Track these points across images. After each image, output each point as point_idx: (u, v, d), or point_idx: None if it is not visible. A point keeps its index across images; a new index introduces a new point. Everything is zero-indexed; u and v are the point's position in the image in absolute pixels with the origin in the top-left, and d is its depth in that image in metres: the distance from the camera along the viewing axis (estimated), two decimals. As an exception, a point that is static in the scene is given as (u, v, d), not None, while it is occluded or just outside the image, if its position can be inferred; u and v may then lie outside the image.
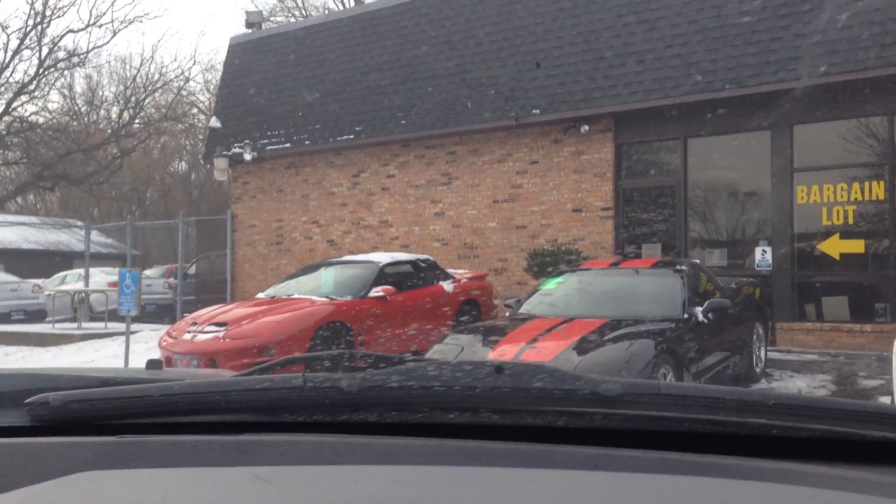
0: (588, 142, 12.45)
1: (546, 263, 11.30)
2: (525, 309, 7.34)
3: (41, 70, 15.63)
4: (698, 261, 9.88)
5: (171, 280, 18.42)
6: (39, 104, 22.83)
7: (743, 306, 8.06)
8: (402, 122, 14.01)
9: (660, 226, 12.19)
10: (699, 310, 6.78)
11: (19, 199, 28.03)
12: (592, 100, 12.08)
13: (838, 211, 10.68)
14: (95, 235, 21.05)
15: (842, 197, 10.66)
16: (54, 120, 18.79)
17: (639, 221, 12.34)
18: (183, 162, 37.51)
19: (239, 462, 0.74)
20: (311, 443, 0.82)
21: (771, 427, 0.84)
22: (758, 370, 8.24)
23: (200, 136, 33.50)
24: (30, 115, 16.83)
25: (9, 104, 15.63)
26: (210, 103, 32.24)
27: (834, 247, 10.65)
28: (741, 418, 0.84)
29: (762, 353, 8.53)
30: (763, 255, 11.06)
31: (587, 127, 12.32)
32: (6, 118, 15.81)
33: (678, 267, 7.60)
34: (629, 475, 0.71)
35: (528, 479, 0.70)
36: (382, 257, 10.65)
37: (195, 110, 32.72)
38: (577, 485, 0.69)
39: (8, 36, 23.02)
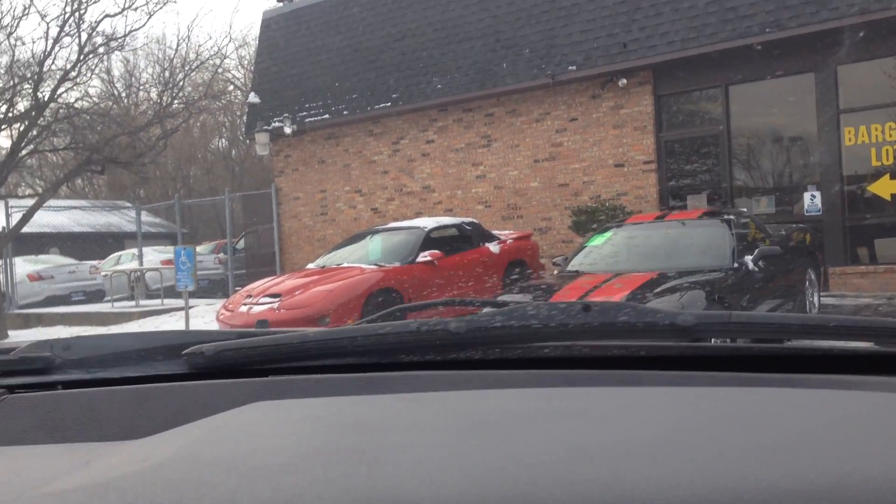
0: (627, 95, 12.35)
1: (590, 220, 11.31)
2: (573, 266, 7.40)
3: (82, 56, 15.90)
4: (746, 209, 9.81)
5: (221, 255, 18.81)
6: (81, 90, 23.28)
7: (794, 253, 8.02)
8: (439, 86, 14.02)
9: (704, 176, 12.10)
10: (749, 258, 6.77)
11: (68, 184, 28.74)
12: (629, 52, 11.96)
13: (887, 151, 10.48)
14: (144, 215, 21.56)
15: (891, 136, 10.46)
16: (99, 105, 19.17)
17: (682, 173, 12.26)
18: (223, 139, 37.99)
19: (376, 393, 0.85)
20: (429, 377, 0.93)
21: (832, 348, 0.93)
22: (810, 316, 8.22)
23: (238, 113, 33.84)
24: (75, 101, 17.16)
25: (53, 91, 15.96)
26: (245, 79, 32.51)
27: (885, 187, 10.48)
28: (805, 339, 0.93)
29: (815, 298, 8.49)
30: (812, 200, 10.93)
31: (625, 80, 12.22)
32: (52, 105, 16.16)
33: (725, 216, 7.57)
34: (707, 388, 0.81)
35: (620, 393, 0.80)
36: (427, 222, 10.76)
37: (231, 87, 33.03)
38: (663, 396, 0.79)
39: (48, 24, 23.38)
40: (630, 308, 0.95)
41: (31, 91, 15.99)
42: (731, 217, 7.52)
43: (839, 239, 10.76)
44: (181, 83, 18.39)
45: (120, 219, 31.09)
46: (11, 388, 0.95)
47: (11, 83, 16.36)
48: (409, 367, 1.00)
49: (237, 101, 32.77)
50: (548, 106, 13.13)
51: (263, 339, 1.01)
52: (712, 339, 1.09)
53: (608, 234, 7.98)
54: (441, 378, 0.92)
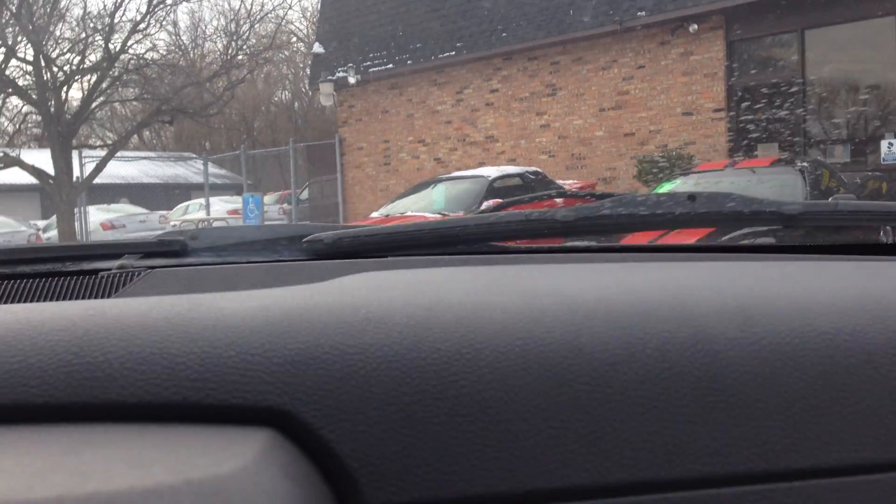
0: (697, 41, 12.03)
1: (656, 170, 11.15)
2: (640, 213, 7.33)
3: (151, 7, 16.20)
4: (819, 158, 9.55)
5: (286, 205, 19.12)
6: (149, 42, 23.75)
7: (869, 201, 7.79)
8: (503, 34, 13.86)
9: (777, 125, 11.76)
10: (823, 206, 6.60)
11: (137, 135, 29.48)
12: (701, -3, 11.62)
13: (973, 98, 10.04)
14: (210, 167, 22.03)
15: (977, 83, 10.00)
16: (168, 56, 19.56)
17: (753, 121, 11.94)
18: (286, 91, 38.31)
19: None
20: (540, 258, 0.97)
21: None
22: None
23: (301, 65, 34.05)
24: (145, 52, 17.54)
25: (124, 43, 16.32)
26: (308, 31, 32.63)
27: (968, 136, 10.07)
28: None
29: (890, 248, 8.25)
30: (889, 149, 10.56)
31: (696, 26, 11.89)
32: (122, 57, 16.55)
33: (798, 164, 7.40)
34: (816, 263, 0.84)
35: (736, 264, 0.82)
36: (491, 171, 10.74)
37: (294, 39, 33.20)
38: (779, 262, 0.81)
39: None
40: (736, 196, 0.97)
41: (102, 43, 16.38)
42: (804, 165, 7.34)
43: (917, 189, 10.40)
44: (246, 35, 18.58)
45: (186, 170, 31.79)
46: (152, 269, 1.03)
47: (83, 35, 16.78)
48: (518, 253, 1.04)
49: (300, 52, 32.94)
50: (615, 53, 12.88)
51: (379, 227, 1.06)
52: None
53: (676, 182, 7.87)
54: (553, 259, 0.96)
